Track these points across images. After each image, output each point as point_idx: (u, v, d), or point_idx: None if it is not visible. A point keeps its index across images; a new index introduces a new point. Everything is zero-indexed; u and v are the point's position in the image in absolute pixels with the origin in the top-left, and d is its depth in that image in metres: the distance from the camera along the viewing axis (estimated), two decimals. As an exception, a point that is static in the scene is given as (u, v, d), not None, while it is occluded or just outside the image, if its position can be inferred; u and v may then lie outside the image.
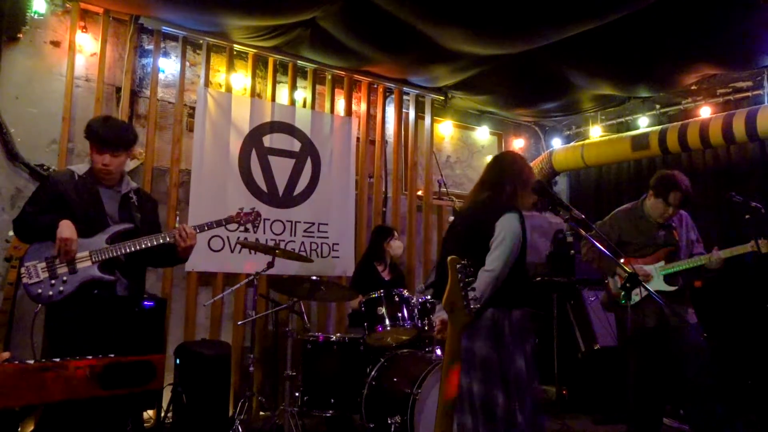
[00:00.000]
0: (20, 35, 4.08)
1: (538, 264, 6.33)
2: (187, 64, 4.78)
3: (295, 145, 5.12)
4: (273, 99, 5.07)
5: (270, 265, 3.83)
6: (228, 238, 4.69)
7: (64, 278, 2.59)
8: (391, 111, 5.82)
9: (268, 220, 4.86)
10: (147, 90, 4.57)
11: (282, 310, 4.15)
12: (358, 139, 5.49)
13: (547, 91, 5.64)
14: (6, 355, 2.21)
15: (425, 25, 4.18)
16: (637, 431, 3.45)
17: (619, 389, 4.33)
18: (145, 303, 3.77)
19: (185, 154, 4.67)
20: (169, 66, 4.72)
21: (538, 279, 5.44)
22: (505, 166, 2.89)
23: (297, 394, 3.92)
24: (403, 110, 5.86)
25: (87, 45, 4.36)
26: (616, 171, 6.45)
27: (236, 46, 4.87)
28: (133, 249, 2.67)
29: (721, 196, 4.38)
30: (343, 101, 5.47)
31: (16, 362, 1.97)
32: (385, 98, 5.73)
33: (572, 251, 6.01)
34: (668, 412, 4.27)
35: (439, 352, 3.83)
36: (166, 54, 4.71)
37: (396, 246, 4.68)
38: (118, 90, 4.46)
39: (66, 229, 2.57)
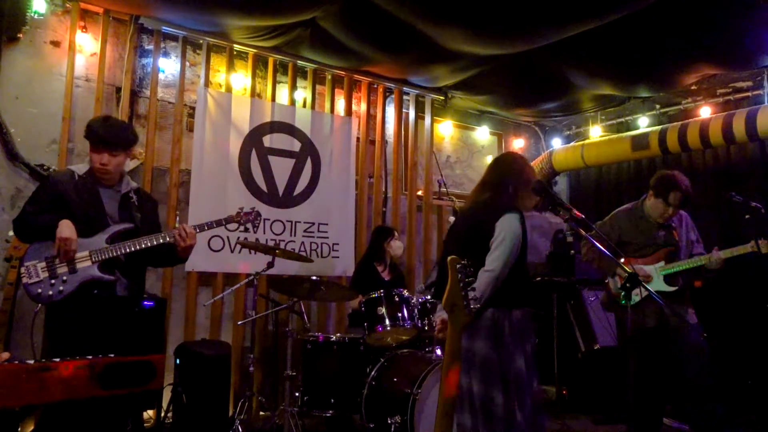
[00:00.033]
0: (20, 35, 4.08)
1: (538, 264, 6.33)
2: (187, 64, 4.78)
3: (295, 145, 5.12)
4: (273, 99, 5.07)
5: (270, 265, 3.83)
6: (228, 238, 4.69)
7: (64, 278, 2.59)
8: (391, 111, 5.82)
9: (268, 220, 4.86)
10: (147, 90, 4.57)
11: (282, 310, 4.15)
12: (358, 139, 5.49)
13: (547, 91, 5.64)
14: (6, 355, 2.21)
15: (425, 25, 4.18)
16: (637, 431, 3.45)
17: (619, 389, 4.33)
18: (145, 303, 3.78)
19: (185, 154, 4.67)
20: (169, 66, 4.72)
21: (538, 279, 5.44)
22: (506, 167, 2.90)
23: (297, 394, 3.92)
24: (403, 110, 5.86)
25: (87, 45, 4.36)
26: (616, 171, 6.45)
27: (236, 46, 4.87)
28: (133, 249, 2.68)
29: (721, 196, 4.38)
30: (343, 101, 5.47)
31: (16, 362, 1.97)
32: (385, 98, 5.73)
33: (572, 251, 6.02)
34: (668, 412, 4.27)
35: (439, 352, 3.83)
36: (166, 54, 4.71)
37: (396, 246, 4.69)
38: (118, 90, 4.46)
39: (66, 228, 2.58)
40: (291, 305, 3.95)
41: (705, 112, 5.40)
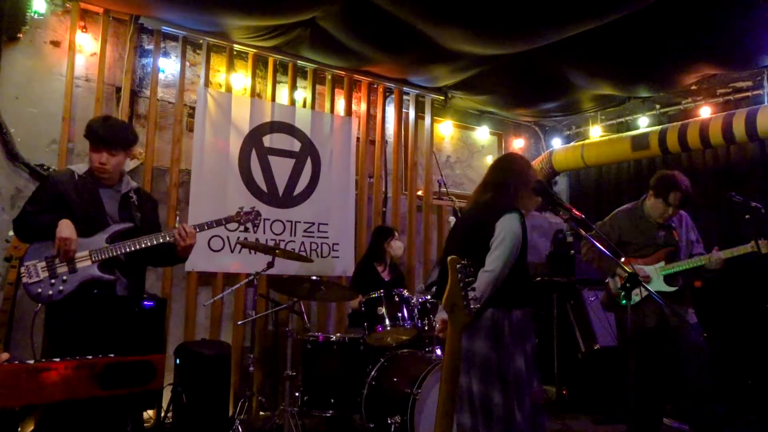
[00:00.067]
0: (20, 35, 4.08)
1: (538, 264, 6.34)
2: (187, 64, 4.78)
3: (295, 145, 5.12)
4: (273, 99, 5.07)
5: (270, 265, 3.83)
6: (228, 238, 4.69)
7: (64, 278, 2.59)
8: (391, 111, 5.82)
9: (268, 220, 4.86)
10: (147, 90, 4.57)
11: (282, 310, 4.15)
12: (358, 139, 5.49)
13: (547, 91, 5.64)
14: (5, 356, 2.21)
15: (425, 25, 4.18)
16: (637, 431, 3.45)
17: (619, 389, 4.33)
18: (145, 303, 3.77)
19: (185, 154, 4.67)
20: (169, 66, 4.72)
21: (538, 279, 5.45)
22: (507, 168, 2.90)
23: (297, 394, 3.92)
24: (403, 110, 5.86)
25: (87, 45, 4.36)
26: (616, 171, 6.45)
27: (236, 46, 4.87)
28: (132, 248, 2.68)
29: (721, 196, 4.38)
30: (343, 101, 5.47)
31: (16, 362, 1.97)
32: (385, 98, 5.73)
33: (572, 251, 6.02)
34: (668, 412, 4.27)
35: (439, 352, 3.83)
36: (166, 54, 4.71)
37: (396, 246, 4.68)
38: (118, 90, 4.46)
39: (65, 228, 2.58)
40: (291, 305, 3.95)
41: (705, 112, 5.40)
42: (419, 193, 5.87)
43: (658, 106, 5.91)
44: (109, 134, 2.71)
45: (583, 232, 3.07)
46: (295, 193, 5.08)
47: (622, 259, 3.09)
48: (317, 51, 4.92)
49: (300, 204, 5.08)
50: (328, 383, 3.89)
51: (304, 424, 3.91)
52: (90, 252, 2.63)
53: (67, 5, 4.27)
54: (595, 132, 6.34)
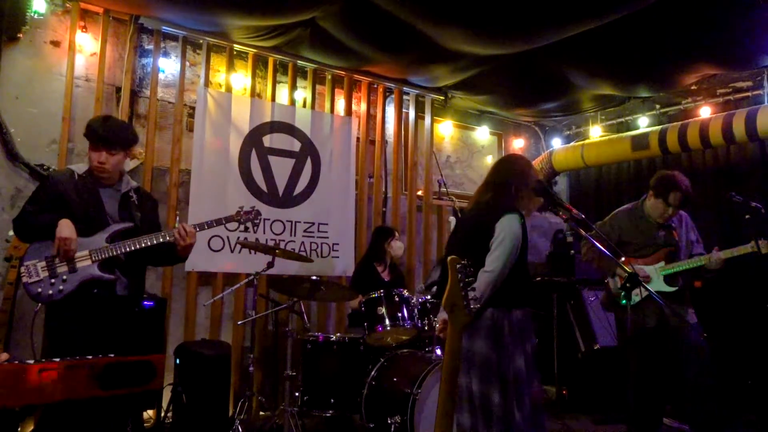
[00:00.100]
0: (20, 35, 4.08)
1: (538, 264, 6.34)
2: (187, 64, 4.78)
3: (295, 145, 5.12)
4: (273, 99, 5.07)
5: (270, 265, 3.82)
6: (228, 238, 4.69)
7: (64, 277, 2.59)
8: (391, 111, 5.82)
9: (268, 220, 4.86)
10: (147, 90, 4.57)
11: (282, 310, 4.15)
12: (358, 139, 5.49)
13: (547, 91, 5.64)
14: (5, 356, 2.21)
15: (425, 25, 4.18)
16: (637, 431, 3.45)
17: (619, 389, 4.33)
18: (145, 303, 3.78)
19: (185, 154, 4.67)
20: (169, 66, 4.72)
21: (538, 279, 5.45)
22: (508, 168, 2.91)
23: (297, 394, 3.92)
24: (403, 110, 5.86)
25: (87, 45, 4.36)
26: (616, 171, 6.45)
27: (236, 46, 4.87)
28: (132, 248, 2.68)
29: (721, 196, 4.38)
30: (343, 101, 5.47)
31: (16, 362, 1.97)
32: (385, 98, 5.73)
33: (572, 251, 6.02)
34: (668, 412, 4.28)
35: (439, 352, 3.83)
36: (166, 54, 4.71)
37: (397, 247, 4.68)
38: (118, 90, 4.46)
39: (65, 228, 2.58)
40: (291, 305, 3.95)
41: (705, 112, 5.40)
42: (419, 193, 5.87)
43: (658, 106, 5.91)
44: (108, 134, 2.71)
45: (583, 232, 3.07)
46: (295, 193, 5.08)
47: (622, 259, 3.09)
48: (317, 51, 4.92)
49: (300, 204, 5.08)
50: (328, 383, 3.89)
51: (304, 424, 3.91)
52: (90, 251, 2.63)
53: (67, 5, 4.27)
54: (595, 132, 6.34)
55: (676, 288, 3.49)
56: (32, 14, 4.10)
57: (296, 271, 4.74)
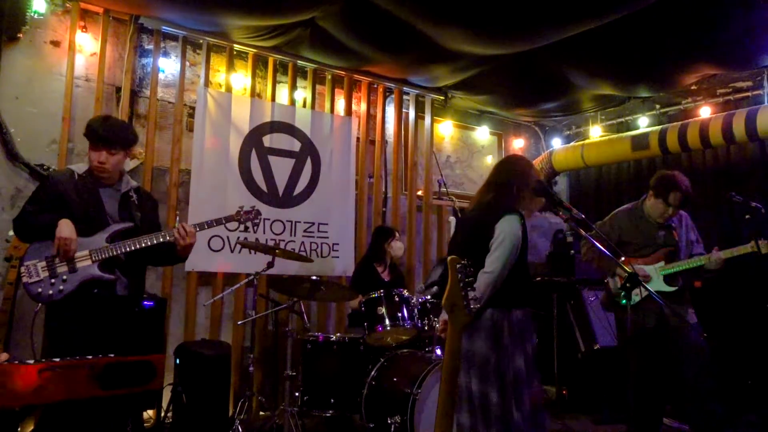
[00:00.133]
0: (20, 35, 4.08)
1: (538, 264, 6.34)
2: (187, 64, 4.78)
3: (295, 145, 5.12)
4: (273, 99, 5.07)
5: (270, 265, 3.82)
6: (228, 237, 4.69)
7: (64, 277, 2.59)
8: (391, 111, 5.82)
9: (268, 220, 4.86)
10: (147, 90, 4.57)
11: (282, 310, 4.15)
12: (358, 139, 5.49)
13: (547, 91, 5.64)
14: (5, 356, 2.21)
15: (425, 25, 4.18)
16: (637, 431, 3.45)
17: (619, 389, 4.33)
18: (145, 303, 3.77)
19: (185, 154, 4.67)
20: (169, 66, 4.72)
21: (538, 279, 5.45)
22: (510, 168, 2.91)
23: (297, 394, 3.92)
24: (403, 110, 5.86)
25: (87, 45, 4.36)
26: (616, 171, 6.45)
27: (236, 46, 4.87)
28: (132, 248, 2.68)
29: (721, 196, 4.38)
30: (343, 101, 5.47)
31: (16, 362, 1.97)
32: (385, 98, 5.73)
33: (572, 251, 6.02)
34: (668, 412, 4.27)
35: (439, 352, 3.83)
36: (166, 54, 4.71)
37: (397, 247, 4.68)
38: (118, 90, 4.46)
39: (65, 228, 2.58)
40: (291, 305, 3.95)
41: (705, 112, 5.40)
42: (419, 193, 5.87)
43: (658, 106, 5.91)
44: (108, 133, 2.71)
45: (583, 232, 3.07)
46: (295, 193, 5.08)
47: (622, 259, 3.09)
48: (317, 51, 4.92)
49: (300, 204, 5.08)
50: (328, 383, 3.89)
51: (304, 424, 3.91)
52: (90, 251, 2.63)
53: (67, 5, 4.27)
54: (595, 132, 6.34)
55: (676, 288, 3.49)
56: (32, 14, 4.10)
57: (296, 271, 4.74)
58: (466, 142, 6.58)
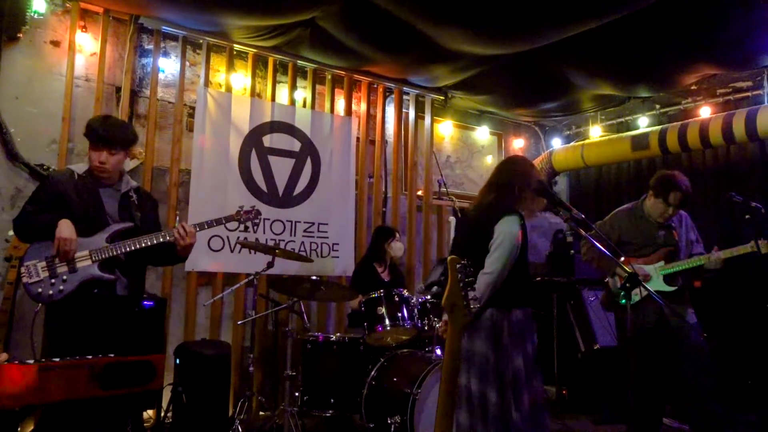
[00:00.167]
0: (20, 35, 4.08)
1: (538, 264, 6.34)
2: (187, 63, 4.78)
3: (295, 145, 5.12)
4: (273, 99, 5.07)
5: (270, 265, 3.82)
6: (228, 237, 4.69)
7: (64, 277, 2.59)
8: (391, 111, 5.82)
9: (268, 219, 4.86)
10: (147, 90, 4.57)
11: (282, 310, 4.15)
12: (358, 139, 5.49)
13: (547, 91, 5.64)
14: (5, 356, 2.21)
15: (425, 25, 4.18)
16: (637, 431, 3.45)
17: (619, 389, 4.33)
18: (145, 303, 3.77)
19: (185, 154, 4.67)
20: (169, 66, 4.72)
21: (538, 279, 5.45)
22: (511, 169, 2.92)
23: (297, 394, 3.92)
24: (403, 110, 5.86)
25: (87, 45, 4.36)
26: (616, 171, 6.45)
27: (236, 46, 4.87)
28: (132, 248, 2.68)
29: (721, 196, 4.38)
30: (343, 101, 5.47)
31: (16, 362, 1.97)
32: (385, 98, 5.73)
33: (572, 251, 6.01)
34: (668, 412, 4.27)
35: (439, 352, 3.83)
36: (166, 54, 4.71)
37: (397, 248, 4.67)
38: (118, 90, 4.46)
39: (65, 228, 2.58)
40: (291, 305, 3.95)
41: (705, 112, 5.40)
42: (419, 193, 5.87)
43: (658, 106, 5.91)
44: (108, 133, 2.71)
45: (583, 232, 3.08)
46: (295, 193, 5.08)
47: (622, 259, 3.09)
48: (317, 51, 4.92)
49: (300, 204, 5.08)
50: (328, 383, 3.89)
51: (304, 424, 3.91)
52: (90, 252, 2.63)
53: (67, 5, 4.27)
54: (595, 132, 6.34)
55: (676, 288, 3.49)
56: (32, 14, 4.10)
57: (296, 271, 4.74)
58: (466, 142, 6.58)
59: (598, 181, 6.64)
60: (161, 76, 4.64)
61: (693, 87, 5.43)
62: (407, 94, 5.84)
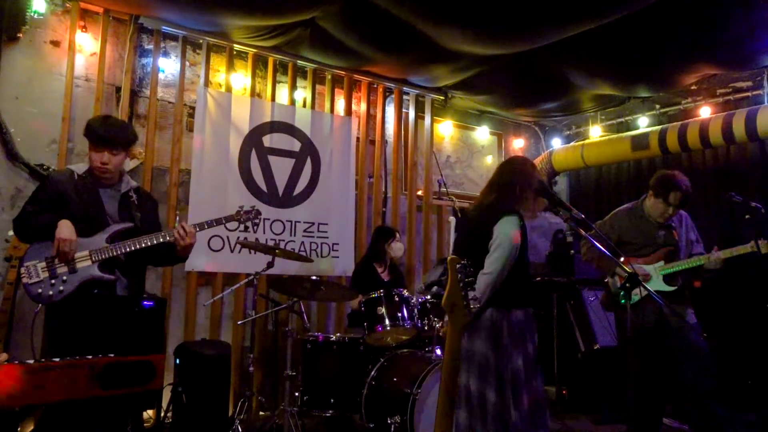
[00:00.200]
0: (20, 35, 4.08)
1: (538, 264, 6.33)
2: (187, 63, 4.78)
3: (295, 145, 5.12)
4: (273, 99, 5.07)
5: (270, 265, 3.82)
6: (228, 237, 4.69)
7: (64, 278, 2.59)
8: (391, 111, 5.82)
9: (268, 220, 4.86)
10: (147, 90, 4.57)
11: (282, 310, 4.15)
12: (357, 138, 5.49)
13: (547, 91, 5.64)
14: (5, 356, 2.21)
15: (425, 25, 4.18)
16: (637, 431, 3.45)
17: (619, 389, 4.33)
18: (145, 303, 3.77)
19: (185, 154, 4.66)
20: (169, 66, 4.72)
21: (538, 279, 5.45)
22: (512, 169, 2.92)
23: (297, 394, 3.92)
24: (403, 110, 5.86)
25: (87, 45, 4.36)
26: (616, 171, 6.45)
27: (236, 46, 4.87)
28: (132, 248, 2.68)
29: (721, 196, 4.38)
30: (342, 101, 5.47)
31: (16, 362, 1.97)
32: (385, 98, 5.73)
33: (572, 251, 6.01)
34: (668, 412, 4.27)
35: (439, 352, 3.83)
36: (166, 54, 4.71)
37: (397, 248, 4.67)
38: (118, 90, 4.46)
39: (65, 228, 2.58)
40: (291, 305, 3.95)
41: (705, 112, 5.40)
42: (419, 193, 5.87)
43: (658, 106, 5.91)
44: (109, 134, 2.71)
45: (583, 232, 3.08)
46: (295, 193, 5.08)
47: (622, 259, 3.09)
48: (317, 51, 4.92)
49: (300, 204, 5.08)
50: (328, 383, 3.89)
51: (304, 424, 3.91)
52: (90, 252, 2.63)
53: (67, 5, 4.27)
54: (595, 132, 6.34)
55: (676, 287, 3.49)
56: (32, 14, 4.10)
57: (296, 271, 4.74)
58: (466, 142, 6.58)
59: (598, 181, 6.64)
60: (161, 76, 4.64)
61: (693, 87, 5.43)
62: (407, 94, 5.84)
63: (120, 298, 2.72)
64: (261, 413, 4.57)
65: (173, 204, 4.53)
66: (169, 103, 4.69)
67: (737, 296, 4.76)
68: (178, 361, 3.93)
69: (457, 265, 2.12)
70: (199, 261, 4.50)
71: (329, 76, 5.38)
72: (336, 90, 5.45)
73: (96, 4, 4.31)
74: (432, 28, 4.21)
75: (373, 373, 3.81)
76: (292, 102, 5.18)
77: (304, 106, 5.27)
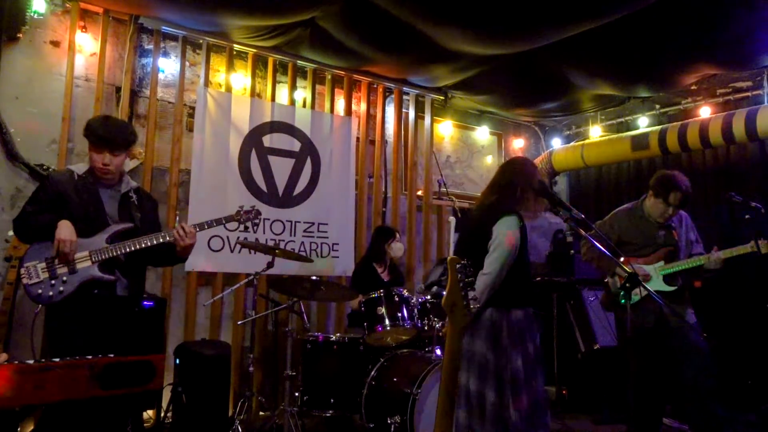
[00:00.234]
0: (20, 35, 4.08)
1: (538, 264, 6.34)
2: (187, 63, 4.78)
3: (295, 145, 5.12)
4: (273, 99, 5.07)
5: (270, 265, 3.82)
6: (228, 237, 4.69)
7: (64, 278, 2.59)
8: (390, 111, 5.82)
9: (268, 220, 4.86)
10: (147, 90, 4.57)
11: (282, 310, 4.15)
12: (357, 139, 5.49)
13: (547, 91, 5.64)
14: (4, 356, 2.21)
15: (425, 25, 4.18)
16: (637, 431, 3.45)
17: (619, 389, 4.33)
18: (145, 303, 3.77)
19: (185, 154, 4.66)
20: (169, 66, 4.72)
21: (538, 279, 5.45)
22: (513, 170, 2.92)
23: (297, 394, 3.92)
24: (403, 110, 5.86)
25: (87, 45, 4.36)
26: (616, 171, 6.45)
27: (236, 46, 4.87)
28: (132, 248, 2.67)
29: (721, 196, 4.38)
30: (342, 101, 5.47)
31: (16, 362, 1.97)
32: (384, 98, 5.73)
33: (572, 251, 6.01)
34: (668, 412, 4.27)
35: (439, 352, 3.83)
36: (166, 54, 4.71)
37: (397, 248, 4.67)
38: (118, 90, 4.46)
39: (64, 229, 2.58)
40: (291, 305, 3.95)
41: (705, 112, 5.40)
42: (419, 193, 5.87)
43: (658, 106, 5.91)
44: (110, 134, 2.70)
45: (583, 232, 3.08)
46: (295, 193, 5.08)
47: (622, 259, 3.09)
48: (317, 51, 4.92)
49: (300, 204, 5.08)
50: (328, 383, 3.89)
51: (304, 424, 3.91)
52: (90, 252, 2.63)
53: (67, 5, 4.27)
54: (595, 132, 6.34)
55: (676, 287, 3.49)
56: (32, 14, 4.10)
57: (296, 271, 4.74)
58: (466, 142, 6.58)
59: (598, 181, 6.64)
60: (161, 76, 4.64)
61: (693, 87, 5.43)
62: (407, 94, 5.84)
63: (120, 298, 2.72)
64: (261, 413, 4.57)
65: (173, 204, 4.53)
66: (169, 103, 4.69)
67: (737, 296, 4.76)
68: (178, 361, 3.93)
69: (457, 265, 2.12)
70: (199, 261, 4.50)
71: (329, 76, 5.38)
72: (336, 90, 5.45)
73: (96, 4, 4.31)
74: (432, 28, 4.21)
75: (373, 373, 3.82)
76: (292, 102, 5.18)
77: (304, 106, 5.27)
